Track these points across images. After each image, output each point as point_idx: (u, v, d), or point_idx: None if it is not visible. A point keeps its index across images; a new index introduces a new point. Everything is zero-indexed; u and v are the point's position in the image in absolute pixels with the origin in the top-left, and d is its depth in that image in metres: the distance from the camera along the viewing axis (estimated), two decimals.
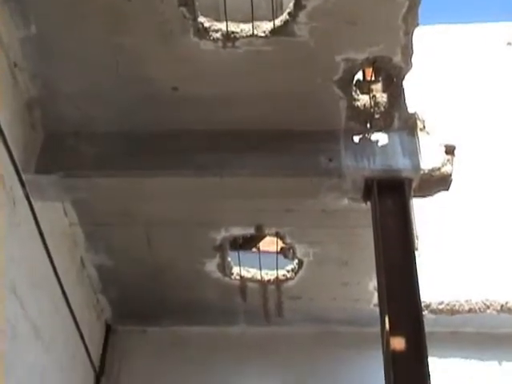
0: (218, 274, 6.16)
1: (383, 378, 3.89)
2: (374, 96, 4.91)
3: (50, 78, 4.65)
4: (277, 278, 6.22)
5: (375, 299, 5.69)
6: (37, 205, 4.84)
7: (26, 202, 4.70)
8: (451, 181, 4.81)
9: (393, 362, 3.77)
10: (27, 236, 4.78)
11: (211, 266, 6.07)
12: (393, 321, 3.92)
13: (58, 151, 4.84)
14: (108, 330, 6.95)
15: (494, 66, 8.02)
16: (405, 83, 4.82)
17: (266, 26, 4.35)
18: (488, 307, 6.48)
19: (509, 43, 8.34)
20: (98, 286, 6.33)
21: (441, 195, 5.02)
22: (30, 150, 4.73)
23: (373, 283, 5.84)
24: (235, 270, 6.20)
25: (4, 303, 4.27)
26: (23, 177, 4.60)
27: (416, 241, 5.04)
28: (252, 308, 6.63)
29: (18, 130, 4.54)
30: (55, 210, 5.29)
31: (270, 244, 6.85)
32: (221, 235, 5.70)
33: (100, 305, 6.59)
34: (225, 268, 6.08)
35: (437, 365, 5.37)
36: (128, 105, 4.84)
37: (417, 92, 5.27)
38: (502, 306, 6.49)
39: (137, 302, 6.60)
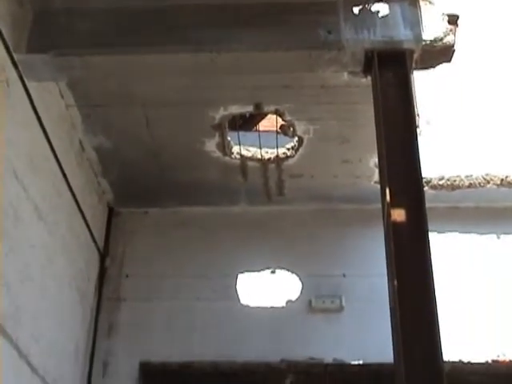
0: (218, 154, 6.15)
1: (384, 254, 3.94)
2: None
3: None
4: (277, 156, 6.22)
5: (376, 176, 5.71)
6: (31, 87, 4.74)
7: (20, 84, 4.59)
8: (454, 52, 4.69)
9: (393, 233, 3.79)
10: (24, 119, 4.72)
11: (211, 146, 6.05)
12: (393, 193, 3.93)
13: (50, 29, 4.67)
14: (110, 212, 7.02)
15: None
16: None
17: None
18: (488, 182, 6.52)
19: None
20: (97, 168, 6.33)
21: (442, 68, 4.91)
22: (20, 29, 4.55)
23: (374, 160, 5.85)
24: (235, 149, 6.19)
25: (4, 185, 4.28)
26: (15, 57, 4.47)
27: (417, 118, 4.97)
28: (253, 187, 6.67)
29: (5, 7, 4.36)
30: (51, 92, 5.19)
31: (269, 126, 6.79)
32: (219, 114, 5.65)
33: (101, 187, 6.62)
34: (224, 147, 6.06)
35: (437, 239, 5.47)
36: None
37: None
38: (501, 180, 6.53)
39: (137, 183, 6.63)
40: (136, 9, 4.75)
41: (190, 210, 6.95)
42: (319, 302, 6.56)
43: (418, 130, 4.49)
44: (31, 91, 4.74)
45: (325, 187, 6.61)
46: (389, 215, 3.84)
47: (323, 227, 6.82)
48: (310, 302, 6.56)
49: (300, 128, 5.80)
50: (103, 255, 6.73)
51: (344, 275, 6.66)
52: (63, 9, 4.72)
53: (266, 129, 6.95)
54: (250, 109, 5.69)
